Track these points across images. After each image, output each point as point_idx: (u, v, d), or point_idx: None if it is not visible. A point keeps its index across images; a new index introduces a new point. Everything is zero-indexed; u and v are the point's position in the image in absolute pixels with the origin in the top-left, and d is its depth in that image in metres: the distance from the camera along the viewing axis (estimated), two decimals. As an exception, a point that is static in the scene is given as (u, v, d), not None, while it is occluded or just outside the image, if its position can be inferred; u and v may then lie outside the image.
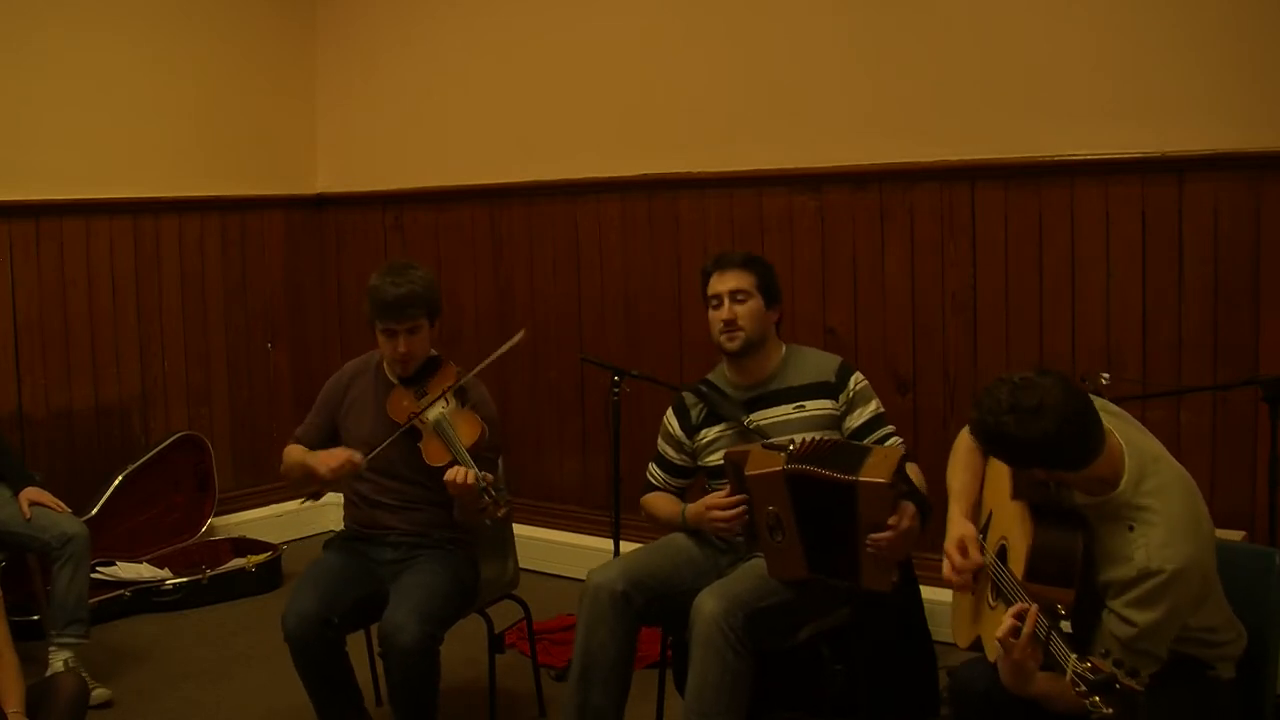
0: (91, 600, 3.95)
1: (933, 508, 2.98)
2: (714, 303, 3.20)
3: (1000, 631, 2.23)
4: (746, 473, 2.94)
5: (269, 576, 4.94)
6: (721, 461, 3.16)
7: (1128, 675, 2.17)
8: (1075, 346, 3.88)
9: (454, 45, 5.38)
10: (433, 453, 3.23)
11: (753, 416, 3.18)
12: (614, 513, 3.88)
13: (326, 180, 5.94)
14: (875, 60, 4.24)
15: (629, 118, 4.86)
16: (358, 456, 3.24)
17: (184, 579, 4.78)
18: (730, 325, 3.15)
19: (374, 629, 3.31)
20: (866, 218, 4.31)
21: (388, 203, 5.69)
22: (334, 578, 3.24)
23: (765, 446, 3.00)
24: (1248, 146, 3.58)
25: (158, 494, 5.15)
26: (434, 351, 3.42)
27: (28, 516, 3.85)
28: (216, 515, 5.34)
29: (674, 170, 4.73)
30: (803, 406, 3.18)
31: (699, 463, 3.29)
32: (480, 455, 3.24)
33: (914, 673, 3.42)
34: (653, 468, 3.38)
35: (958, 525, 2.61)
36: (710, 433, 3.25)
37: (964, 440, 2.78)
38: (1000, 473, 2.59)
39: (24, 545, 3.93)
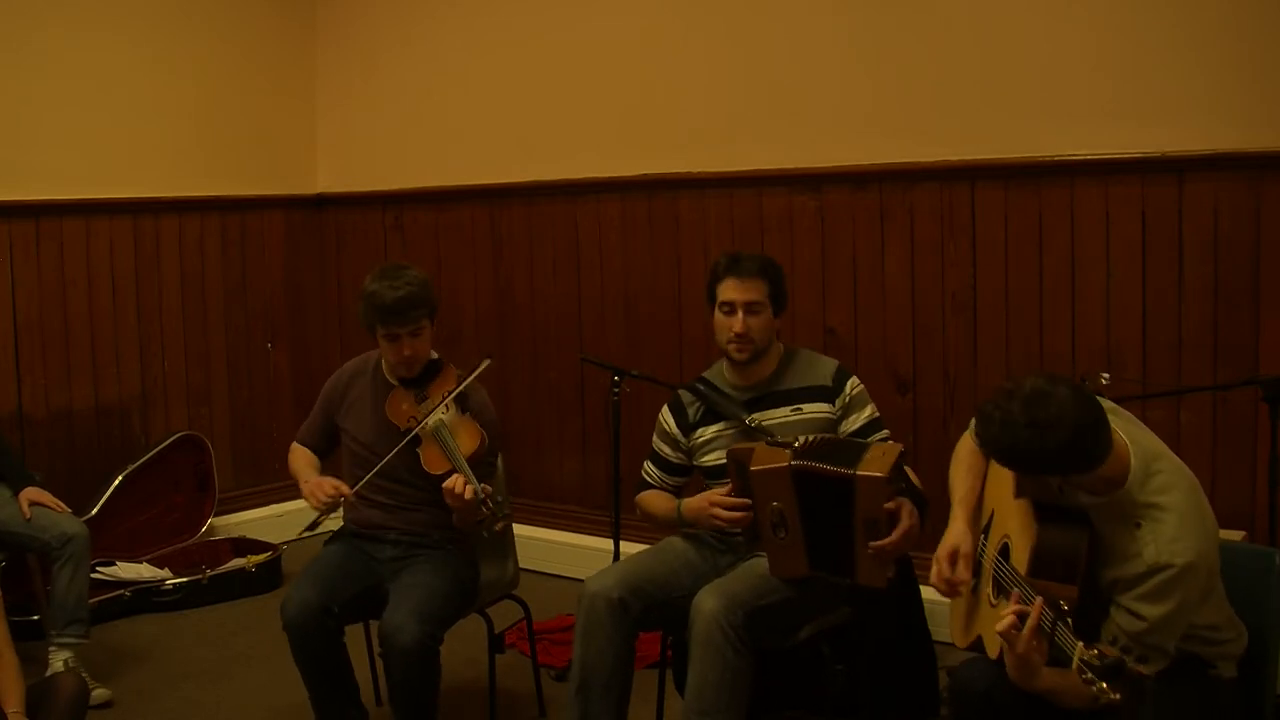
0: (91, 600, 3.94)
1: (929, 503, 2.98)
2: (725, 308, 3.16)
3: (1003, 625, 2.23)
4: (752, 468, 2.94)
5: (269, 576, 4.94)
6: (719, 461, 3.16)
7: (1136, 661, 2.18)
8: (1075, 346, 3.88)
9: (454, 45, 5.38)
10: (432, 460, 3.22)
11: (753, 416, 3.17)
12: (614, 513, 3.88)
13: (326, 180, 5.94)
14: (875, 60, 4.24)
15: (629, 118, 4.86)
16: (345, 488, 3.22)
17: (184, 579, 4.78)
18: (742, 338, 3.13)
19: (374, 629, 3.31)
20: (866, 218, 4.31)
21: (388, 203, 5.69)
22: (335, 570, 3.25)
23: (770, 443, 3.00)
24: (1248, 146, 3.58)
25: (158, 494, 5.15)
26: (434, 354, 3.41)
27: (28, 516, 3.85)
28: (216, 515, 5.34)
29: (674, 170, 4.73)
30: (800, 409, 3.18)
31: (695, 461, 3.29)
32: (480, 461, 3.24)
33: (914, 672, 3.42)
34: (648, 465, 3.37)
35: (955, 534, 2.61)
36: (707, 431, 3.24)
37: (965, 444, 2.78)
38: (1002, 473, 2.59)
39: (24, 545, 3.93)
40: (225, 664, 4.17)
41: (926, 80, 4.14)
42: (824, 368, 3.24)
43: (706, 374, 3.33)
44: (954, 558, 2.56)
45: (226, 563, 4.98)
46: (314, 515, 3.24)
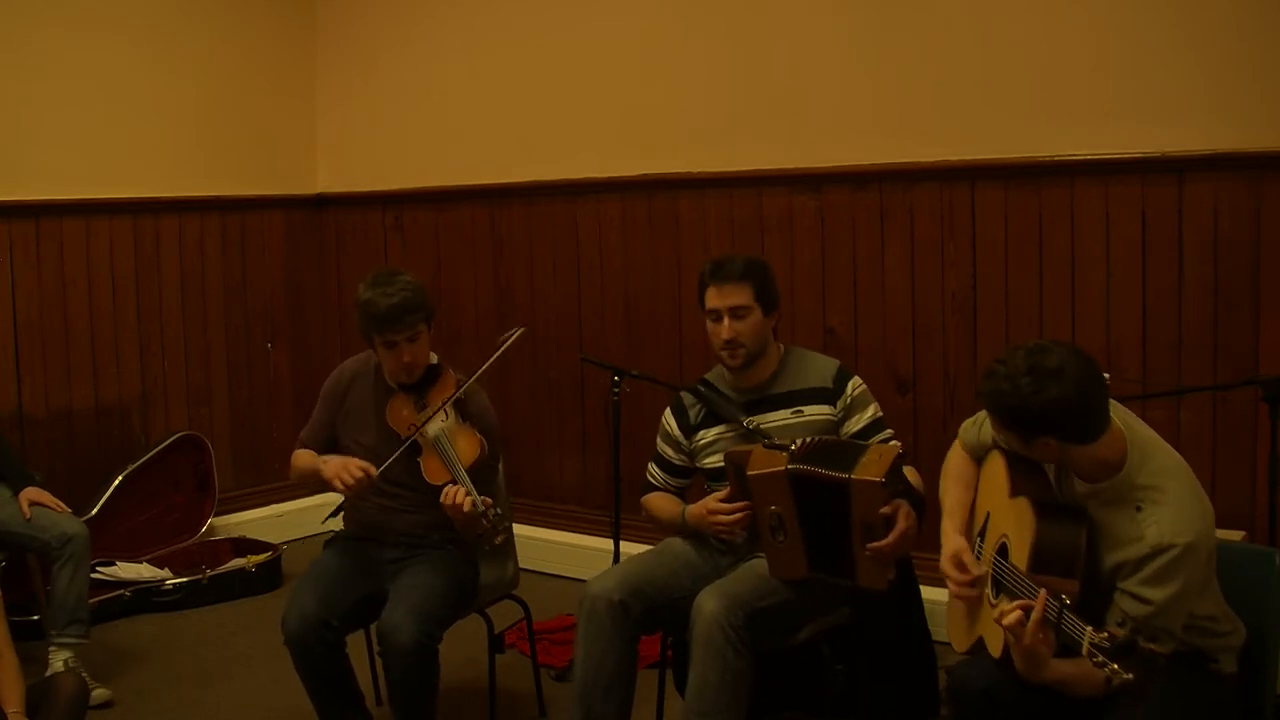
0: (91, 600, 3.94)
1: (927, 504, 2.98)
2: (712, 316, 3.15)
3: (1009, 620, 2.22)
4: (749, 473, 2.94)
5: (269, 576, 4.94)
6: (720, 463, 3.15)
7: (1148, 640, 2.17)
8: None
9: (454, 45, 5.39)
10: (432, 469, 3.21)
11: (752, 419, 3.17)
12: (614, 513, 3.88)
13: (326, 180, 5.94)
14: (875, 60, 4.24)
15: (629, 118, 4.86)
16: (372, 469, 3.19)
17: (184, 579, 4.78)
18: (731, 344, 3.12)
19: (374, 629, 3.31)
20: (866, 218, 4.31)
21: (388, 203, 5.69)
22: (333, 579, 3.23)
23: (767, 446, 3.00)
24: (1248, 146, 3.58)
25: (158, 494, 5.15)
26: (434, 358, 3.39)
27: (28, 516, 3.85)
28: (216, 515, 5.34)
29: (674, 170, 4.73)
30: (801, 411, 3.17)
31: (697, 464, 3.28)
32: (481, 469, 3.23)
33: (914, 673, 3.42)
34: (652, 468, 3.37)
35: (950, 541, 2.62)
36: (709, 434, 3.24)
37: (955, 454, 2.80)
38: (994, 476, 2.61)
39: (24, 545, 3.92)
40: (225, 664, 4.17)
41: (926, 80, 4.14)
42: (825, 368, 3.23)
43: (708, 375, 3.33)
44: (958, 561, 2.57)
45: (226, 563, 4.98)
46: (319, 519, 3.23)
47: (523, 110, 5.17)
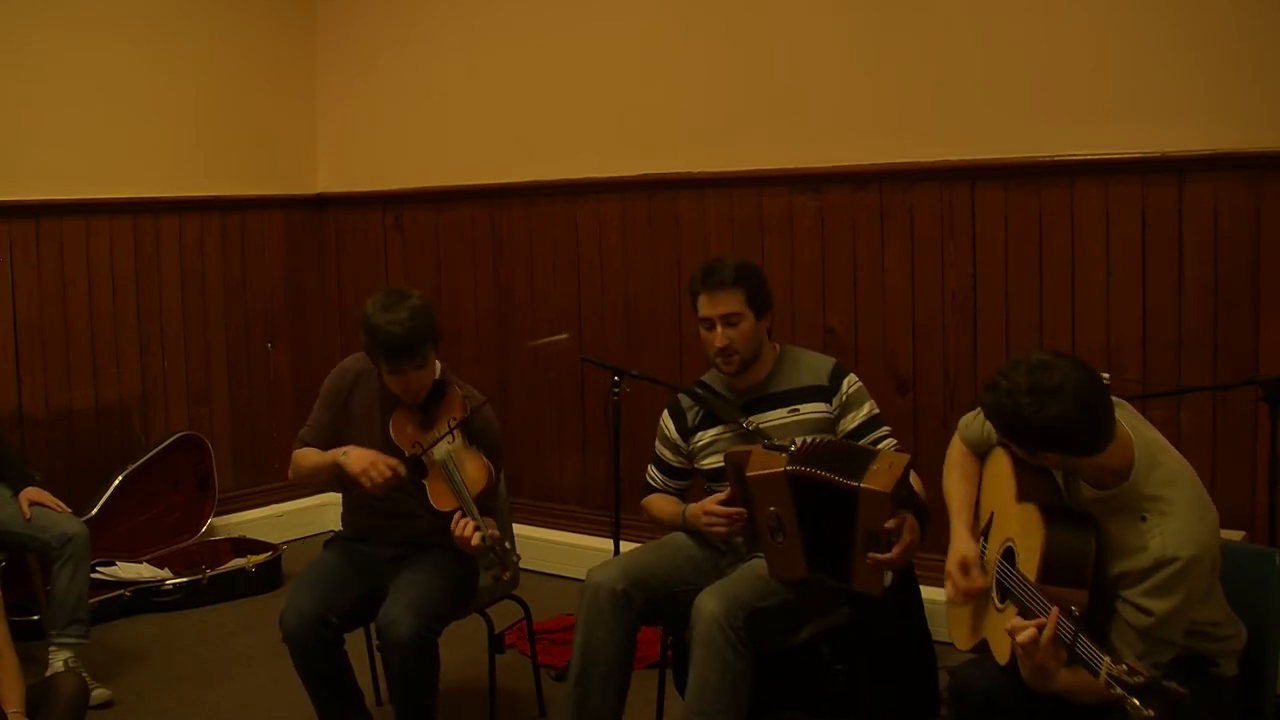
0: (91, 600, 3.94)
1: (931, 515, 2.98)
2: (705, 324, 3.14)
3: (1022, 638, 2.21)
4: (748, 474, 2.94)
5: (269, 576, 4.94)
6: (719, 464, 3.15)
7: (1138, 658, 2.16)
8: (1075, 346, 3.87)
9: (454, 45, 5.39)
10: (438, 495, 3.15)
11: (751, 419, 3.17)
12: (614, 513, 3.88)
13: (326, 180, 5.94)
14: (875, 60, 4.24)
15: (629, 118, 4.86)
16: (401, 468, 3.15)
17: (184, 579, 4.78)
18: (726, 351, 3.12)
19: (374, 626, 3.31)
20: (866, 218, 4.31)
21: (388, 203, 5.69)
22: (333, 577, 3.23)
23: (767, 447, 2.99)
24: (1248, 146, 3.58)
25: (158, 494, 5.15)
26: (438, 368, 3.32)
27: (28, 516, 3.85)
28: (216, 515, 5.34)
29: (674, 170, 4.73)
30: (797, 410, 3.17)
31: (696, 465, 3.28)
32: (488, 496, 3.21)
33: (914, 673, 3.42)
34: (651, 470, 3.37)
35: (960, 544, 2.61)
36: (706, 435, 3.24)
37: (956, 449, 2.78)
38: (999, 475, 2.59)
39: (24, 545, 3.93)
40: (225, 664, 4.17)
41: (926, 80, 4.14)
42: (820, 367, 3.23)
43: (705, 377, 3.32)
44: (965, 567, 2.56)
45: (226, 563, 4.98)
46: (319, 519, 3.21)
47: (523, 110, 5.17)
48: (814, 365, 3.23)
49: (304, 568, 3.36)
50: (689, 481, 3.36)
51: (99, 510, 4.87)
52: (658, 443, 3.35)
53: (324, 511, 5.52)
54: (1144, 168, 3.76)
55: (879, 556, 2.81)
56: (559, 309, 5.14)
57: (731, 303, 3.10)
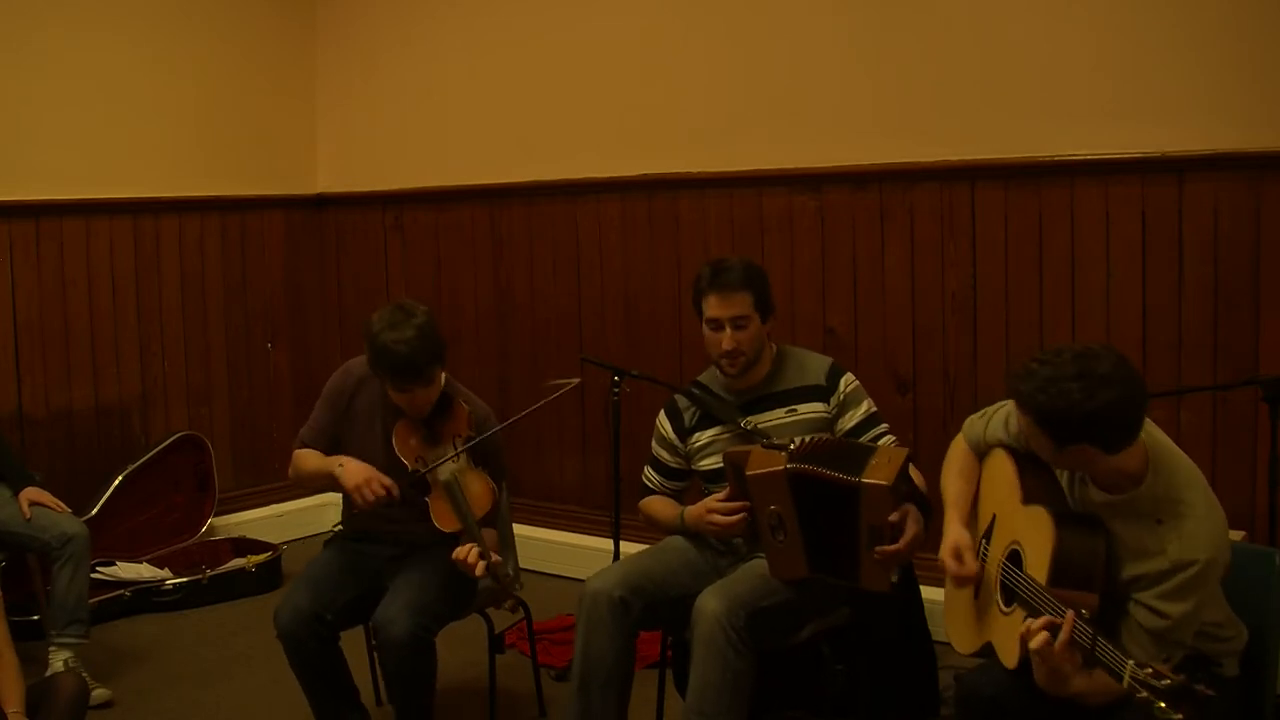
0: (91, 600, 3.94)
1: (933, 509, 2.98)
2: (712, 325, 3.13)
3: (1035, 643, 2.19)
4: (747, 473, 2.93)
5: (269, 576, 4.94)
6: (717, 465, 3.15)
7: (1168, 667, 2.14)
8: (1075, 346, 3.87)
9: (454, 45, 5.39)
10: (441, 515, 3.13)
11: (749, 419, 3.17)
12: (614, 513, 3.88)
13: (326, 180, 5.94)
14: (875, 60, 4.24)
15: (629, 118, 4.86)
16: (395, 489, 3.14)
17: (184, 579, 4.78)
18: (732, 354, 3.11)
19: (371, 626, 3.31)
20: (866, 218, 4.31)
21: (388, 203, 5.69)
22: (330, 576, 3.23)
23: (766, 446, 2.99)
24: (1248, 146, 3.58)
25: (158, 494, 5.15)
26: (441, 379, 3.28)
27: (28, 516, 3.85)
28: (216, 515, 5.34)
29: (674, 170, 4.73)
30: (794, 410, 3.17)
31: (693, 466, 3.28)
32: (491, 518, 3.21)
33: (914, 673, 3.42)
34: (648, 471, 3.37)
35: (953, 532, 2.61)
36: (704, 436, 3.24)
37: (958, 448, 2.78)
38: (1002, 477, 2.59)
39: (24, 545, 3.93)
40: (225, 664, 4.17)
41: (926, 80, 4.13)
42: (817, 366, 3.23)
43: (701, 378, 3.32)
44: (958, 553, 2.56)
45: (226, 563, 4.98)
46: (319, 520, 3.21)
47: (523, 110, 5.17)
48: (811, 365, 3.23)
49: (303, 567, 3.36)
50: (686, 483, 3.35)
51: (99, 510, 4.87)
52: (654, 444, 3.35)
53: (324, 511, 5.51)
54: (1144, 168, 3.76)
55: (886, 549, 2.80)
56: (559, 309, 5.14)
57: (741, 305, 3.10)
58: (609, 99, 4.91)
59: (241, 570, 4.90)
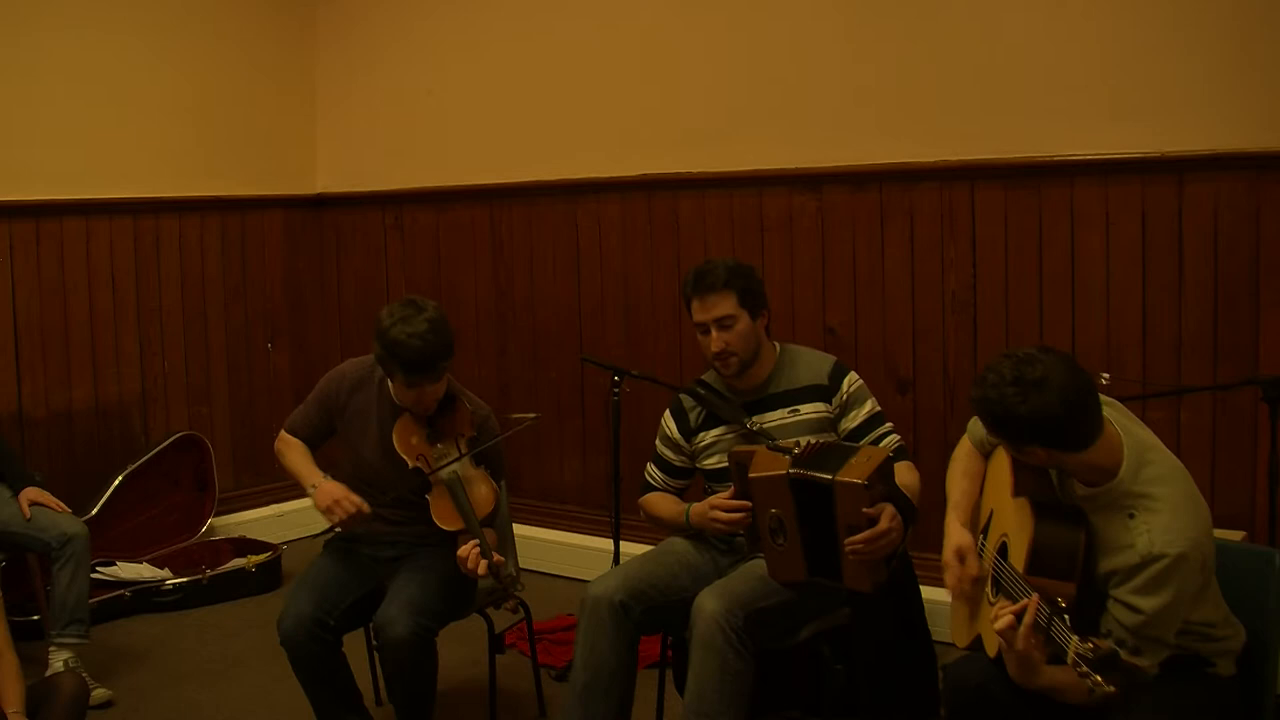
0: (91, 600, 3.94)
1: (917, 509, 2.98)
2: (700, 329, 3.14)
3: (1000, 624, 2.23)
4: (750, 475, 2.93)
5: (269, 576, 4.94)
6: (721, 465, 3.15)
7: (1131, 654, 2.17)
8: (1075, 346, 3.88)
9: (454, 45, 5.39)
10: (442, 514, 3.13)
11: (753, 419, 3.16)
12: (614, 513, 3.88)
13: (326, 180, 5.94)
14: (876, 60, 4.24)
15: (629, 118, 4.86)
16: (365, 507, 3.15)
17: (184, 579, 4.78)
18: (723, 354, 3.12)
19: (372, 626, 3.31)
20: (866, 218, 4.31)
21: (388, 203, 5.69)
22: (330, 580, 3.23)
23: (770, 448, 2.99)
24: (1248, 146, 3.58)
25: (158, 494, 5.15)
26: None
27: (28, 516, 3.85)
28: (216, 515, 5.34)
29: (674, 170, 4.73)
30: (797, 410, 3.17)
31: (697, 465, 3.28)
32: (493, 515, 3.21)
33: (914, 672, 3.42)
34: (651, 468, 3.37)
35: (955, 534, 2.62)
36: (708, 435, 3.24)
37: (963, 447, 2.79)
38: (1000, 473, 2.60)
39: (24, 545, 3.92)
40: (225, 664, 4.17)
41: (926, 80, 4.14)
42: (820, 366, 3.22)
43: (705, 377, 3.32)
44: (960, 555, 2.57)
45: (226, 563, 4.98)
46: (319, 520, 3.22)
47: (523, 110, 5.17)
48: (814, 364, 3.23)
49: (304, 568, 3.36)
50: (689, 481, 3.35)
51: (99, 510, 4.87)
52: (658, 442, 3.35)
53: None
54: (1144, 168, 3.76)
55: (855, 543, 2.78)
56: (559, 309, 5.14)
57: (724, 305, 3.10)
58: (609, 99, 4.91)
59: (241, 570, 4.90)
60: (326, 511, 3.16)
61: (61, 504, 3.95)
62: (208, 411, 5.52)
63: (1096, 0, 3.82)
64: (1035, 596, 2.21)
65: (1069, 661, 2.08)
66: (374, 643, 3.16)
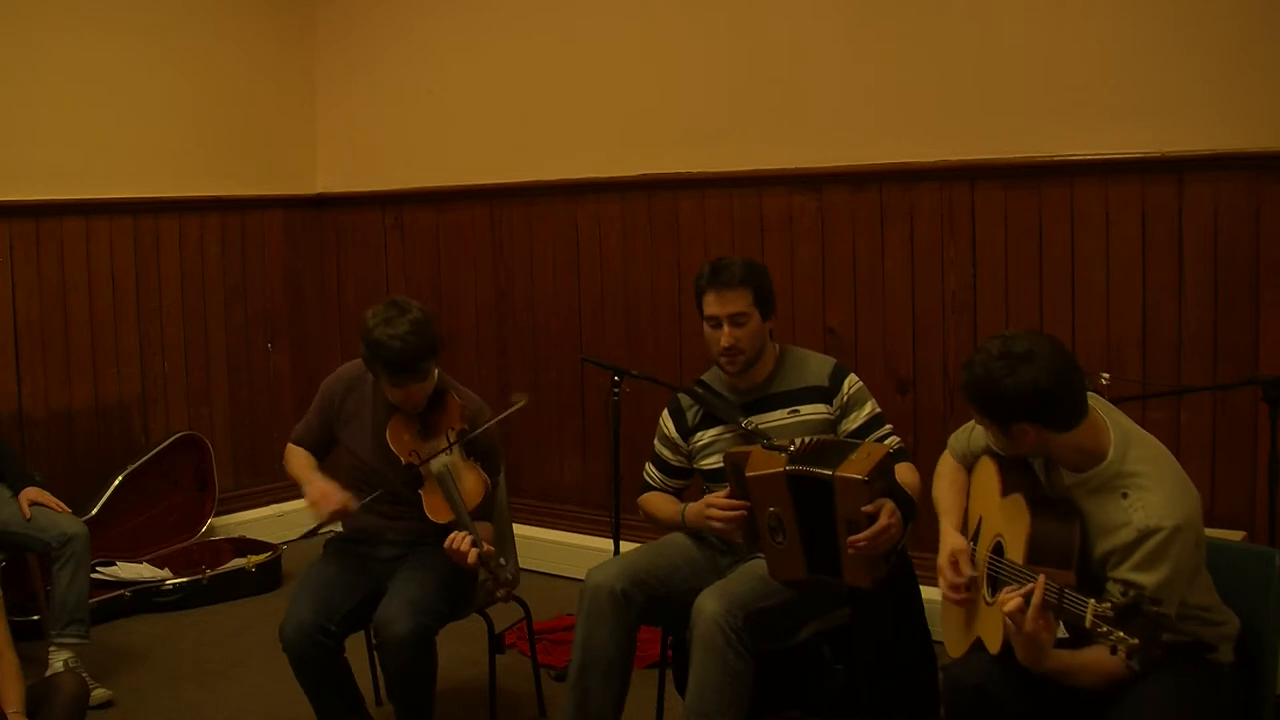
0: (91, 600, 3.94)
1: (917, 506, 2.98)
2: (711, 323, 3.14)
3: (1010, 606, 2.24)
4: (747, 474, 2.93)
5: (269, 576, 4.94)
6: (718, 465, 3.15)
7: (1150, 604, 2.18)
8: (1075, 346, 3.87)
9: (454, 45, 5.39)
10: (434, 507, 3.15)
11: (751, 420, 3.17)
12: (614, 513, 3.88)
13: (326, 180, 5.94)
14: (875, 60, 4.24)
15: (629, 118, 4.86)
16: (351, 503, 3.19)
17: (184, 579, 4.78)
18: (731, 351, 3.12)
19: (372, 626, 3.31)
20: (866, 218, 4.31)
21: (388, 203, 5.69)
22: (331, 584, 3.23)
23: (766, 447, 2.99)
24: (1248, 146, 3.58)
25: (158, 494, 5.15)
26: (435, 374, 3.30)
27: (28, 516, 3.85)
28: (216, 515, 5.34)
29: (674, 170, 4.73)
30: (797, 411, 3.17)
31: (695, 465, 3.28)
32: (483, 504, 3.22)
33: (914, 673, 3.42)
34: (649, 468, 3.37)
35: (949, 539, 2.64)
36: (706, 435, 3.24)
37: (946, 463, 2.82)
38: (986, 480, 2.63)
39: (24, 545, 3.92)
40: (225, 664, 4.17)
41: (926, 80, 4.14)
42: (821, 367, 3.22)
43: (704, 377, 3.32)
44: (954, 559, 2.58)
45: (226, 563, 4.98)
46: (315, 520, 3.23)
47: (523, 110, 5.17)
48: (815, 366, 3.23)
49: (304, 568, 3.36)
50: (687, 481, 3.35)
51: (99, 510, 4.87)
52: (657, 441, 3.35)
53: (324, 511, 5.51)
54: (1144, 168, 3.76)
55: (857, 540, 2.79)
56: (559, 309, 5.14)
57: (739, 302, 3.10)
58: (609, 99, 4.91)
59: (241, 570, 4.90)
60: (313, 505, 3.20)
61: (61, 504, 3.95)
62: (208, 411, 5.52)
63: (1096, 0, 3.83)
64: (1042, 577, 2.24)
65: (1088, 624, 2.10)
66: (374, 642, 3.16)
